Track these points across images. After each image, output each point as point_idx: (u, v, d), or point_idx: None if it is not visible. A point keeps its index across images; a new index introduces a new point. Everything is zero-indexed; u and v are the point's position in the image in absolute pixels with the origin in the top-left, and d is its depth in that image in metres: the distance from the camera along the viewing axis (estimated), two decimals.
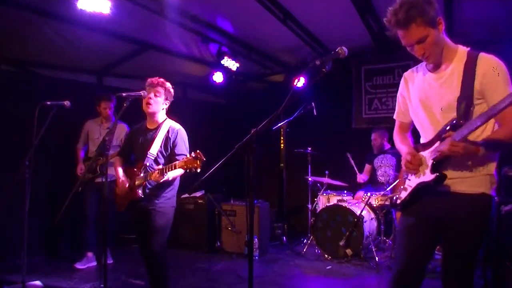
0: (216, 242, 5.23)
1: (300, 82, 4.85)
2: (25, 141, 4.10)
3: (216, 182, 6.13)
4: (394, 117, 2.33)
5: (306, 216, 5.55)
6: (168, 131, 3.03)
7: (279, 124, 5.36)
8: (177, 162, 2.76)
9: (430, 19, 1.81)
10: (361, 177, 5.39)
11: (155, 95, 3.00)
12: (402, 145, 2.22)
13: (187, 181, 3.11)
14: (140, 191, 2.96)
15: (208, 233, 5.29)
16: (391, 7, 1.88)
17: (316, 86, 2.47)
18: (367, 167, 5.45)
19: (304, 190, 5.70)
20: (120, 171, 3.11)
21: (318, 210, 5.04)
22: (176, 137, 3.02)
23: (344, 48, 1.80)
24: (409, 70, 2.18)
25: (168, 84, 3.09)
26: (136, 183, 2.98)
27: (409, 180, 2.10)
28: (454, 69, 1.93)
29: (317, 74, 1.82)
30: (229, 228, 5.09)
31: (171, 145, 3.02)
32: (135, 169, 3.06)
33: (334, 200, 5.09)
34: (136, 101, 2.91)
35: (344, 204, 4.77)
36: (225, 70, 5.62)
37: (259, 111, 3.62)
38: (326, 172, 5.30)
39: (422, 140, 2.15)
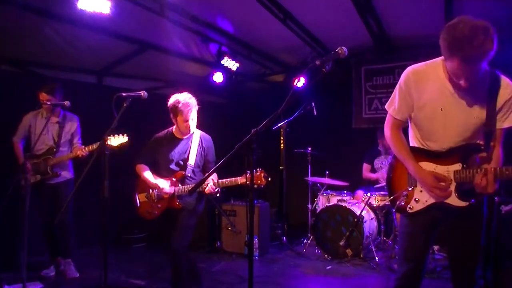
0: (216, 242, 5.23)
1: (300, 82, 4.85)
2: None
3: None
4: (393, 114, 2.18)
5: (306, 216, 5.55)
6: (201, 141, 3.19)
7: (279, 124, 5.36)
8: (239, 178, 2.91)
9: (490, 56, 1.76)
10: (374, 175, 5.32)
11: (192, 120, 3.12)
12: (406, 155, 2.12)
13: None
14: (178, 202, 3.09)
15: (208, 233, 5.28)
16: (454, 31, 1.73)
17: (316, 86, 2.47)
18: (366, 166, 5.44)
19: (304, 190, 5.69)
20: (152, 177, 3.18)
21: (318, 210, 5.04)
22: (208, 146, 3.21)
23: (344, 48, 1.80)
24: (418, 67, 2.05)
25: (193, 98, 3.17)
26: (175, 193, 3.10)
27: (421, 192, 2.10)
28: (478, 89, 1.92)
29: (317, 74, 1.82)
30: (229, 228, 5.09)
31: (205, 154, 3.18)
32: (173, 179, 3.14)
33: (334, 200, 5.09)
34: (136, 101, 2.90)
35: (344, 204, 4.77)
36: (225, 70, 5.63)
37: (259, 111, 3.63)
38: (326, 172, 5.30)
39: (417, 141, 2.15)
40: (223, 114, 7.34)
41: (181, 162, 3.16)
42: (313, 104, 5.21)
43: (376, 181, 5.15)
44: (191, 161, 3.13)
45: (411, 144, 2.20)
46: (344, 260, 4.57)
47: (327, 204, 5.00)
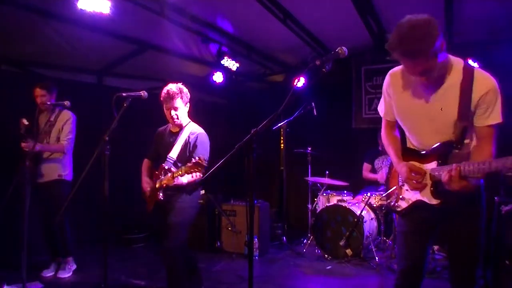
0: (216, 242, 5.23)
1: (300, 82, 4.84)
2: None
3: (216, 182, 6.13)
4: (382, 115, 2.30)
5: (306, 216, 5.55)
6: (189, 135, 3.10)
7: (279, 124, 5.36)
8: (183, 167, 2.81)
9: (436, 50, 1.75)
10: (374, 176, 5.32)
11: (175, 110, 3.05)
12: (392, 150, 2.20)
13: None
14: (161, 194, 3.03)
15: (208, 233, 5.28)
16: (397, 29, 1.79)
17: (316, 86, 2.47)
18: (366, 166, 5.44)
19: (304, 190, 5.70)
20: (144, 175, 3.24)
21: (318, 210, 5.04)
22: (195, 140, 3.07)
23: (344, 48, 1.80)
24: (395, 69, 2.13)
25: (180, 88, 3.10)
26: (157, 186, 3.05)
27: (407, 190, 2.13)
28: (450, 86, 1.91)
29: (317, 74, 1.82)
30: (229, 228, 5.09)
31: (191, 149, 3.07)
32: (156, 172, 3.13)
33: (334, 200, 5.09)
34: (136, 101, 2.90)
35: (344, 204, 4.77)
36: (225, 70, 5.63)
37: (259, 111, 3.62)
38: (326, 172, 5.30)
39: (409, 141, 2.19)
40: (223, 114, 7.35)
41: (165, 155, 3.11)
42: (313, 104, 5.21)
43: (377, 182, 5.15)
44: (173, 154, 3.07)
45: (407, 145, 2.22)
46: (344, 260, 4.57)
47: (327, 204, 5.00)
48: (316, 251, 4.93)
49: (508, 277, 3.29)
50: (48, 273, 4.04)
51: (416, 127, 2.09)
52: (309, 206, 5.46)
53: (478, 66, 4.66)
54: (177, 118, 3.07)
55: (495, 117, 1.88)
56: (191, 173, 2.76)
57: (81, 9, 3.50)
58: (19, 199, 3.23)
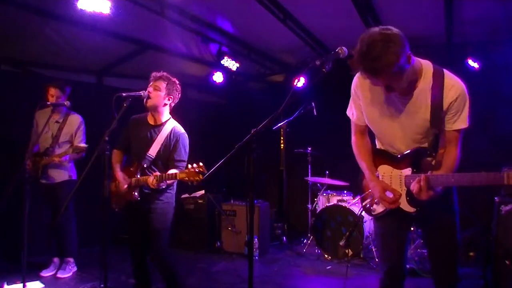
0: (216, 242, 5.23)
1: (300, 82, 4.85)
2: (25, 141, 4.12)
3: (216, 182, 6.13)
4: (352, 119, 2.25)
5: (306, 216, 5.55)
6: (170, 134, 2.93)
7: (279, 124, 5.36)
8: (178, 172, 2.73)
9: (400, 67, 1.70)
10: None
11: (155, 89, 2.91)
12: (364, 164, 2.16)
13: None
14: (136, 193, 2.86)
15: (208, 233, 5.29)
16: (358, 45, 1.73)
17: (316, 86, 2.47)
18: None
19: (304, 190, 5.70)
20: (118, 169, 3.02)
21: (318, 210, 5.04)
22: (177, 141, 2.93)
23: (344, 48, 1.80)
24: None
25: (172, 79, 2.99)
26: (132, 184, 2.89)
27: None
28: (421, 91, 1.89)
29: (317, 74, 1.82)
30: (229, 228, 5.09)
31: (171, 149, 2.93)
32: (131, 169, 2.97)
33: (334, 200, 5.09)
34: (136, 101, 2.90)
35: (344, 204, 4.77)
36: (225, 70, 5.62)
37: (259, 111, 3.62)
38: (326, 172, 5.30)
39: (378, 143, 2.19)
40: (223, 114, 7.35)
41: (142, 151, 2.92)
42: (313, 104, 5.21)
43: None
44: (152, 151, 2.89)
45: (377, 146, 2.21)
46: (344, 260, 4.57)
47: (327, 204, 5.00)
48: (316, 251, 4.93)
49: (508, 277, 3.29)
50: (48, 273, 4.04)
51: (386, 133, 2.08)
52: (309, 206, 5.46)
53: (478, 66, 4.71)
54: (151, 98, 2.89)
55: (463, 122, 1.89)
56: (188, 181, 2.66)
57: (81, 9, 3.49)
58: (19, 199, 3.23)
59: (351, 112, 2.25)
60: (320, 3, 4.09)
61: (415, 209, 1.95)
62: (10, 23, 3.97)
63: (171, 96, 2.99)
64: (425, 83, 1.88)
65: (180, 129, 3.01)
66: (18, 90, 4.67)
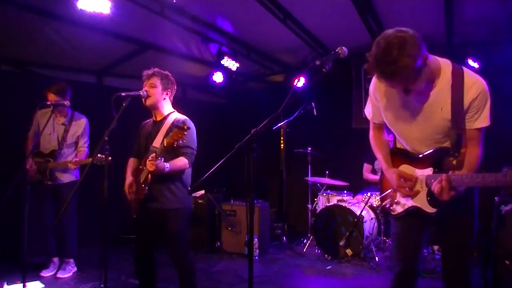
0: (216, 242, 5.23)
1: (300, 82, 4.84)
2: (25, 141, 4.13)
3: (216, 182, 6.13)
4: (369, 118, 2.25)
5: (306, 216, 5.55)
6: (173, 122, 2.91)
7: (279, 124, 5.36)
8: (165, 139, 2.66)
9: (417, 69, 1.68)
10: (374, 177, 5.32)
11: (151, 87, 2.91)
12: (381, 155, 2.18)
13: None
14: (146, 188, 2.82)
15: (208, 233, 5.29)
16: (374, 49, 1.71)
17: (316, 86, 2.47)
18: (367, 167, 5.43)
19: (304, 190, 5.70)
20: (128, 174, 3.03)
21: (318, 210, 5.04)
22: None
23: (344, 48, 1.80)
24: None
25: (164, 73, 2.98)
26: (141, 180, 2.87)
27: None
28: (440, 91, 1.87)
29: (317, 74, 1.82)
30: (229, 228, 5.09)
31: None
32: (140, 166, 2.96)
33: (334, 200, 5.09)
34: (136, 101, 2.89)
35: (344, 204, 4.77)
36: (225, 70, 5.62)
37: (259, 111, 3.62)
38: (326, 172, 5.30)
39: (399, 144, 2.17)
40: (223, 114, 7.35)
41: (148, 145, 2.92)
42: (313, 104, 5.21)
43: (377, 183, 5.15)
44: (156, 143, 2.87)
45: (397, 146, 2.20)
46: (344, 260, 4.57)
47: (327, 204, 5.00)
48: (316, 251, 4.93)
49: (508, 277, 3.29)
50: (48, 273, 4.04)
51: (406, 133, 2.07)
52: (309, 206, 5.46)
53: (478, 66, 4.71)
54: (150, 96, 2.89)
55: (484, 120, 1.87)
56: (173, 141, 2.57)
57: (81, 9, 3.49)
58: (19, 199, 3.23)
59: (368, 111, 2.25)
60: (320, 3, 4.09)
61: (435, 210, 1.94)
62: (10, 23, 3.97)
63: (168, 90, 3.00)
64: (444, 82, 1.86)
65: (183, 116, 3.00)
66: (18, 90, 4.67)
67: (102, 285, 2.69)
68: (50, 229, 4.05)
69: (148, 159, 2.70)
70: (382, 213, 4.60)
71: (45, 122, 3.75)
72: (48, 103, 3.87)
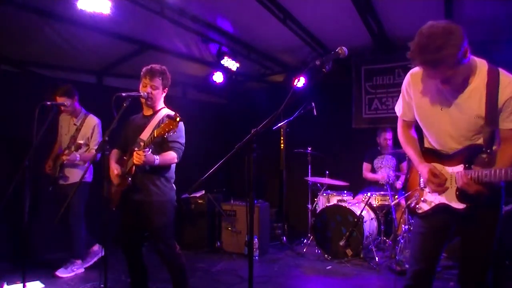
0: (216, 242, 5.23)
1: (300, 82, 4.85)
2: (25, 141, 4.12)
3: (216, 182, 6.13)
4: (399, 115, 2.27)
5: (306, 216, 5.55)
6: (162, 118, 2.89)
7: (279, 124, 5.36)
8: (155, 130, 2.64)
9: (460, 58, 1.73)
10: (374, 176, 5.32)
11: (153, 89, 2.90)
12: (411, 150, 2.18)
13: (187, 181, 3.09)
14: (130, 178, 2.81)
15: (208, 233, 5.29)
16: (417, 37, 1.75)
17: (316, 86, 2.47)
18: (366, 166, 5.44)
19: (304, 190, 5.70)
20: (113, 161, 2.99)
21: (318, 210, 5.04)
22: None
23: (344, 48, 1.80)
24: (417, 69, 2.05)
25: (164, 69, 2.99)
26: (125, 171, 2.85)
27: (430, 193, 2.10)
28: (475, 88, 1.88)
29: (317, 74, 1.82)
30: (229, 228, 5.09)
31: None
32: (125, 157, 2.93)
33: (334, 200, 5.09)
34: (136, 101, 2.89)
35: (344, 204, 4.77)
36: (225, 70, 5.63)
37: (259, 111, 3.63)
38: (326, 172, 5.30)
39: (427, 141, 2.17)
40: (223, 114, 7.35)
41: (135, 137, 2.89)
42: (313, 104, 5.20)
43: (377, 182, 5.16)
44: (144, 135, 2.84)
45: (425, 145, 2.21)
46: (344, 260, 4.57)
47: (327, 204, 5.00)
48: (316, 251, 4.93)
49: (508, 277, 3.29)
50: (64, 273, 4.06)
51: (437, 130, 2.06)
52: (309, 206, 5.46)
53: None
54: (151, 97, 2.89)
55: None
56: (164, 132, 2.56)
57: (81, 9, 3.49)
58: (20, 199, 3.23)
59: (398, 108, 2.26)
60: (320, 3, 4.10)
61: (465, 206, 1.93)
62: (10, 23, 3.97)
63: (166, 87, 3.03)
64: (479, 80, 1.87)
65: (173, 112, 2.93)
66: (18, 90, 4.67)
67: (102, 285, 2.69)
68: (59, 229, 4.08)
69: (135, 150, 2.69)
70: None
71: (65, 125, 4.07)
72: (48, 103, 3.88)
